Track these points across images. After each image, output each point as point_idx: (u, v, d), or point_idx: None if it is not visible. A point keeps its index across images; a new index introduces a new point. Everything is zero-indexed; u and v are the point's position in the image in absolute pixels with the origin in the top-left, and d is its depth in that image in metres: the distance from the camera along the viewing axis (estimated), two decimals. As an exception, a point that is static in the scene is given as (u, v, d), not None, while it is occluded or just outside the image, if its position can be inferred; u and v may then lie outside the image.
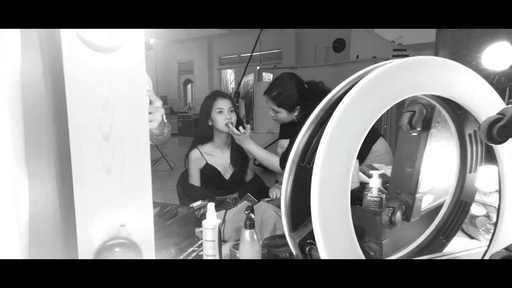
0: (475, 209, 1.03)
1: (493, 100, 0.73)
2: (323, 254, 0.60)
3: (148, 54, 6.33)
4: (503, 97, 0.70)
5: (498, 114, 0.64)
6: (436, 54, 4.95)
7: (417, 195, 0.88)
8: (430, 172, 0.88)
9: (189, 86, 11.42)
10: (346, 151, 0.60)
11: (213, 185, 1.96)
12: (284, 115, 1.88)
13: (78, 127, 0.49)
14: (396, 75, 0.66)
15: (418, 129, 0.81)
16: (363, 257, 0.64)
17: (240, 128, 1.86)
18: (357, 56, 6.82)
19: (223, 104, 1.90)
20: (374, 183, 1.00)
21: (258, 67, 8.08)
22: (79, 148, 0.48)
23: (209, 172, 1.95)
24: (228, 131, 1.87)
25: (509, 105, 0.64)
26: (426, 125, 0.83)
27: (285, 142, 1.95)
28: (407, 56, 5.77)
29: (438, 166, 0.89)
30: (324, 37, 7.88)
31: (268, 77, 7.68)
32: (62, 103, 0.51)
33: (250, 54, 6.70)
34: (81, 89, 0.49)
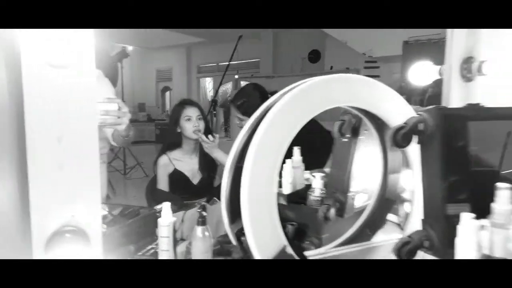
0: (407, 207, 1.16)
1: (403, 111, 0.85)
2: (252, 242, 0.70)
3: (125, 61, 6.35)
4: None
5: (403, 123, 0.76)
6: (402, 66, 5.19)
7: (349, 194, 0.99)
8: (361, 173, 1.00)
9: (167, 93, 11.41)
10: (273, 153, 0.70)
11: (181, 190, 2.03)
12: (248, 123, 1.99)
13: (34, 130, 0.57)
14: (320, 88, 0.77)
15: (348, 135, 0.93)
16: (286, 243, 0.75)
17: (209, 136, 1.94)
18: (331, 67, 7.05)
19: (192, 112, 1.99)
20: (316, 184, 1.11)
21: (236, 76, 8.19)
22: (34, 148, 0.57)
23: (177, 177, 2.03)
24: (196, 138, 1.96)
25: (413, 116, 0.77)
26: (355, 133, 0.95)
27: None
28: (378, 67, 6.00)
29: (368, 168, 1.01)
30: (301, 48, 8.09)
31: (245, 86, 7.77)
32: (22, 110, 0.60)
33: (227, 63, 6.81)
34: (38, 98, 0.58)
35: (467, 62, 0.90)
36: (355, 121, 0.94)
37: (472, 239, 0.60)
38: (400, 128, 0.74)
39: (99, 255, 0.63)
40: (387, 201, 0.98)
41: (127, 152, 5.74)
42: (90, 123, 0.59)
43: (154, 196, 2.04)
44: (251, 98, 1.96)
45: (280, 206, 0.98)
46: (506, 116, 0.76)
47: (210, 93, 10.68)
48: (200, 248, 1.00)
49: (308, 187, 1.17)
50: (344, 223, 1.04)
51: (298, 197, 1.13)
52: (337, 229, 1.05)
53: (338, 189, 1.01)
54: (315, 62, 7.98)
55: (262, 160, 0.69)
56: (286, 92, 0.81)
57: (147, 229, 1.20)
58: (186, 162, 2.04)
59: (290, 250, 0.75)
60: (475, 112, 0.73)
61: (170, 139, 2.05)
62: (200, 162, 2.07)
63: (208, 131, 2.01)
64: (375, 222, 0.98)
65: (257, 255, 0.71)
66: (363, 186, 1.02)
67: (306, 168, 1.19)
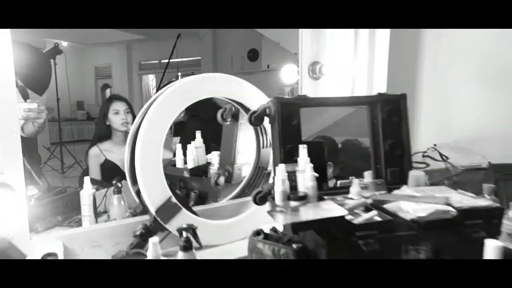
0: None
1: (258, 99, 1.17)
2: (145, 196, 0.97)
3: (61, 58, 6.21)
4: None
5: (256, 108, 1.07)
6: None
7: (235, 165, 1.29)
8: (244, 149, 1.31)
9: (107, 91, 11.15)
10: (159, 130, 0.98)
11: (113, 178, 2.24)
12: (173, 116, 2.25)
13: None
14: (195, 83, 1.06)
15: (229, 120, 1.23)
16: (170, 194, 1.03)
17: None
18: (268, 66, 7.44)
19: (119, 106, 2.19)
20: (214, 160, 1.40)
21: (179, 74, 8.30)
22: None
23: (109, 166, 2.22)
24: (124, 130, 2.17)
25: (263, 103, 1.08)
26: (235, 118, 1.25)
27: (177, 139, 2.30)
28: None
29: (250, 145, 1.32)
30: (240, 46, 8.40)
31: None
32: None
33: (168, 60, 6.92)
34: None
35: (313, 65, 1.23)
36: (235, 109, 1.24)
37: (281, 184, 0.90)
38: (254, 112, 1.05)
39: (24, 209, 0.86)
40: (260, 168, 1.30)
41: (65, 151, 5.67)
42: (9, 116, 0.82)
43: (87, 184, 2.22)
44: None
45: (185, 178, 1.26)
46: (326, 103, 1.10)
47: (153, 91, 10.63)
48: (116, 213, 1.25)
49: (209, 163, 1.46)
50: (232, 188, 1.34)
51: (200, 171, 1.41)
52: (229, 191, 1.35)
53: (227, 162, 1.31)
54: (253, 60, 8.33)
55: (150, 135, 0.96)
56: (170, 86, 1.09)
57: (74, 204, 1.41)
58: (116, 153, 2.24)
59: (174, 200, 1.03)
60: (302, 101, 1.05)
61: (99, 132, 2.24)
62: (130, 152, 2.28)
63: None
64: (252, 186, 1.30)
65: (150, 207, 0.99)
66: (247, 159, 1.33)
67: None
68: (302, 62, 1.22)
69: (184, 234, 0.79)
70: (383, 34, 1.33)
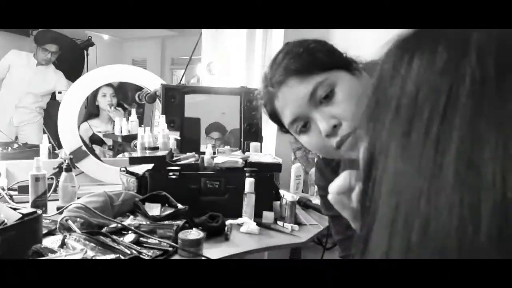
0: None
1: (155, 83, 1.66)
2: (65, 147, 1.49)
3: (100, 51, 6.97)
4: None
5: (153, 90, 1.55)
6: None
7: (152, 134, 1.79)
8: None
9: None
10: (73, 106, 1.50)
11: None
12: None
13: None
14: (101, 72, 1.58)
15: (144, 101, 1.72)
16: (82, 144, 1.54)
17: (118, 108, 2.73)
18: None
19: (107, 91, 2.77)
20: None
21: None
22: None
23: (95, 139, 2.81)
24: (109, 110, 2.75)
25: (156, 87, 1.56)
26: (153, 99, 1.74)
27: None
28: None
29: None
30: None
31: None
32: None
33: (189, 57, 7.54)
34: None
35: (209, 65, 1.70)
36: (154, 92, 1.74)
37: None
38: (148, 93, 1.54)
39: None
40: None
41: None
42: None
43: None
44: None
45: (123, 143, 1.77)
46: (203, 91, 1.57)
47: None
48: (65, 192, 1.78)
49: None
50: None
51: (131, 138, 1.92)
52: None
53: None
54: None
55: (67, 110, 1.49)
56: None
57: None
58: (101, 128, 2.83)
59: (84, 148, 1.55)
60: (182, 87, 1.53)
61: (89, 110, 2.83)
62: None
63: (120, 105, 2.80)
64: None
65: (67, 150, 1.52)
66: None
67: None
68: (203, 62, 1.68)
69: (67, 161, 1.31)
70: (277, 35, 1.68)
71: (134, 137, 1.94)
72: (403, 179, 0.26)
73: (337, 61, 0.68)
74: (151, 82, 1.67)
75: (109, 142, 2.40)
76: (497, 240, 0.22)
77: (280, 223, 1.25)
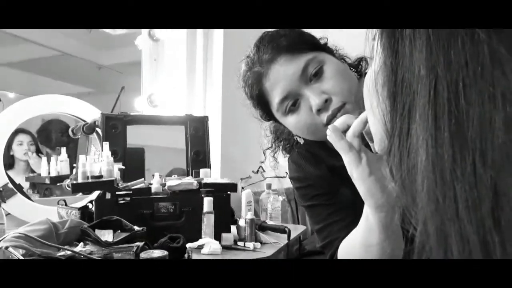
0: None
1: (91, 114, 1.58)
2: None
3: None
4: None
5: (92, 121, 1.46)
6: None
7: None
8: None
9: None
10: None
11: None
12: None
13: None
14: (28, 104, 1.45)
15: (79, 134, 1.60)
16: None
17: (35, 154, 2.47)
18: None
19: (23, 138, 2.51)
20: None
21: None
22: None
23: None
24: (26, 160, 2.47)
25: (95, 117, 1.47)
26: (92, 131, 1.63)
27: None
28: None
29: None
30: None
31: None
32: None
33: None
34: None
35: (149, 97, 1.68)
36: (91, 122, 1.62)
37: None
38: (85, 123, 1.44)
39: None
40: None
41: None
42: None
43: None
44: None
45: (51, 187, 1.58)
46: (146, 121, 1.52)
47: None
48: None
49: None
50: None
51: (61, 179, 1.74)
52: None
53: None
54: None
55: None
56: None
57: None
58: (18, 181, 2.51)
59: (11, 186, 1.36)
60: (124, 116, 1.46)
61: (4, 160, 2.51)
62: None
63: (39, 151, 2.54)
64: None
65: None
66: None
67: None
68: (142, 95, 1.65)
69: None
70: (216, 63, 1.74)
71: (65, 177, 1.77)
72: None
73: (322, 45, 0.74)
74: (87, 113, 1.58)
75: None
76: None
77: (240, 243, 1.20)
